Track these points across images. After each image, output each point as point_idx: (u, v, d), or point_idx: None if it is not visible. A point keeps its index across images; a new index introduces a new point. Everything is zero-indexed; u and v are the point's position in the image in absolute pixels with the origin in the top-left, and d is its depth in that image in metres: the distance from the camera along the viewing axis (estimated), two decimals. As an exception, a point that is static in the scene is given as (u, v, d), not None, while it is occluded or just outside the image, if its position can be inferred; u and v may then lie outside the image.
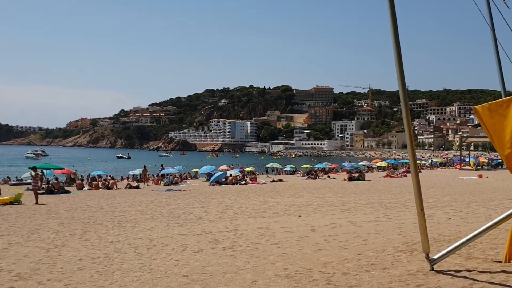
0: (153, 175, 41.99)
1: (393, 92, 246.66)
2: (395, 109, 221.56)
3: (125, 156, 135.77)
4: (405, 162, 64.67)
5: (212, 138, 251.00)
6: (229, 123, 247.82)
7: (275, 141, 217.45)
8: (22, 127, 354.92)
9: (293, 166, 60.37)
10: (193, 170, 51.33)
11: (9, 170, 66.90)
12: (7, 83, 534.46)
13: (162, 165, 43.71)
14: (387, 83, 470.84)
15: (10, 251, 9.52)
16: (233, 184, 32.29)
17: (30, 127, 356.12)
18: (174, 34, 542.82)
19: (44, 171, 36.47)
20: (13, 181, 40.01)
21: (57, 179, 34.41)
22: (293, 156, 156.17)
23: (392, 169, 50.86)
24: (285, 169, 57.38)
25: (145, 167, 38.28)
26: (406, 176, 39.03)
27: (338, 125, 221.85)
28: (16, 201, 19.93)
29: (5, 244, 10.25)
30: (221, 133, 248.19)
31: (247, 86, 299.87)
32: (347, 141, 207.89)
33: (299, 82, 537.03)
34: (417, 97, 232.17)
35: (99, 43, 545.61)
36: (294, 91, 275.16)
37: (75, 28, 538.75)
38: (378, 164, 62.44)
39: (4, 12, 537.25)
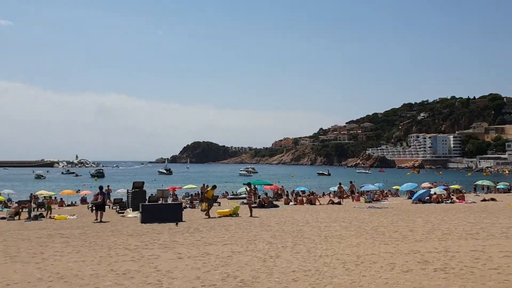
0: (351, 191, 42.03)
1: None
2: None
3: (325, 173, 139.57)
4: None
5: (412, 154, 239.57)
6: (429, 137, 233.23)
7: (484, 156, 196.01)
8: (235, 147, 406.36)
9: (508, 184, 53.85)
10: (394, 187, 50.10)
11: (227, 185, 75.84)
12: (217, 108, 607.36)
13: (351, 181, 41.84)
14: None
15: (234, 259, 10.70)
16: (438, 202, 30.50)
17: (242, 147, 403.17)
18: (370, 54, 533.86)
19: (257, 186, 39.86)
20: (230, 195, 44.95)
21: (266, 194, 37.46)
22: (507, 172, 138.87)
23: None
24: (497, 186, 51.56)
25: (340, 184, 38.87)
26: None
27: None
28: (234, 213, 22.39)
29: (229, 252, 11.59)
30: (421, 149, 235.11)
31: (449, 97, 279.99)
32: None
33: (510, 88, 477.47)
34: None
35: (293, 70, 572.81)
36: (505, 99, 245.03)
37: (266, 55, 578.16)
38: None
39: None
